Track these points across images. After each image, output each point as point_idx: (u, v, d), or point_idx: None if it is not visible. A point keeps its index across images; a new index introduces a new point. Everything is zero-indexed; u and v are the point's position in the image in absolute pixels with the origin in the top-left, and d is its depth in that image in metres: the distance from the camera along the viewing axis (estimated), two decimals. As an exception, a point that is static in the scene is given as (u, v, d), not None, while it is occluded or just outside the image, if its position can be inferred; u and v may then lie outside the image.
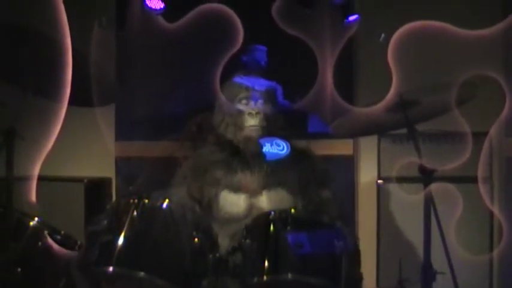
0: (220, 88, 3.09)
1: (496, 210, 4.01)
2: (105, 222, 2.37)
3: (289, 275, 2.32)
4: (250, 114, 2.97)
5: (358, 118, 3.34)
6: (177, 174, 3.04)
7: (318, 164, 3.06)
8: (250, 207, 2.88)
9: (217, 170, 2.96)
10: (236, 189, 2.92)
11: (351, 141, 4.41)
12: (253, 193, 2.92)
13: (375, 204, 4.23)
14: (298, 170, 2.97)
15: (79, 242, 2.69)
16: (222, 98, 3.05)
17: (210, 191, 2.94)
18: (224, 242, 2.67)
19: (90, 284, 2.46)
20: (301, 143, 3.08)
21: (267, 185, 2.93)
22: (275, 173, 2.94)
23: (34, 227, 2.71)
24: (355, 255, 2.49)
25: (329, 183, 3.03)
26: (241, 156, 2.96)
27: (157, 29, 4.08)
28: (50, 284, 2.66)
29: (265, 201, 2.90)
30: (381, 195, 4.20)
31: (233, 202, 2.90)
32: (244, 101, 3.00)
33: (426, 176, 3.01)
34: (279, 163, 2.93)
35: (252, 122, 2.97)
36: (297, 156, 2.98)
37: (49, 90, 2.92)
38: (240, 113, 2.99)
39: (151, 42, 4.37)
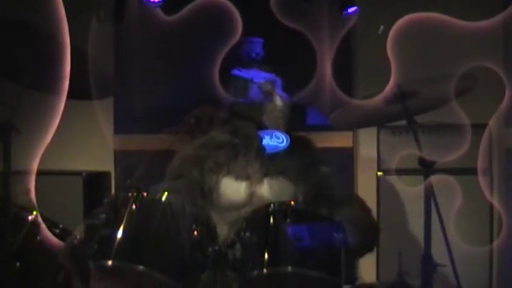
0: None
1: (495, 202, 4.01)
2: (104, 215, 2.36)
3: (289, 268, 2.31)
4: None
5: (357, 110, 3.33)
6: (175, 160, 3.03)
7: (314, 148, 3.07)
8: (251, 196, 2.88)
9: (220, 156, 2.96)
10: (237, 176, 2.92)
11: (350, 133, 4.40)
12: (254, 181, 2.92)
13: (374, 197, 4.22)
14: (298, 158, 2.97)
15: (77, 236, 2.68)
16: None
17: (211, 177, 2.94)
18: (223, 231, 2.66)
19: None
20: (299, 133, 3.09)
21: (268, 173, 2.93)
22: (276, 161, 2.94)
23: (32, 221, 2.70)
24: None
25: (325, 161, 3.04)
26: (245, 145, 2.96)
27: (156, 22, 4.07)
28: (48, 278, 2.66)
29: (266, 189, 2.90)
30: (381, 187, 4.19)
31: (234, 190, 2.90)
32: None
33: (426, 168, 3.00)
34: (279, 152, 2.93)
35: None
36: (296, 144, 2.99)
37: (47, 84, 2.92)
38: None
39: (149, 35, 4.36)
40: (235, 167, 2.93)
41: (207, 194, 2.91)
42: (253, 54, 4.03)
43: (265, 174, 2.92)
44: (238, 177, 2.90)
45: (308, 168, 2.98)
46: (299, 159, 2.97)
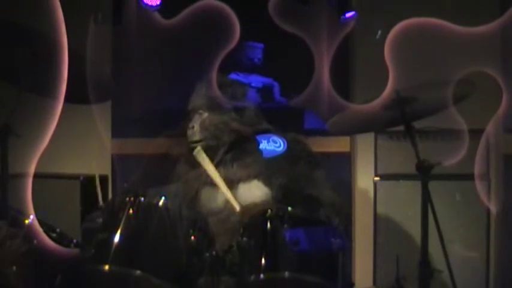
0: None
1: (492, 208, 4.00)
2: (101, 220, 2.36)
3: (286, 273, 2.31)
4: (189, 128, 3.03)
5: (354, 115, 3.33)
6: (175, 171, 3.06)
7: (306, 148, 3.06)
8: (226, 201, 2.90)
9: (199, 166, 3.00)
10: (213, 183, 2.94)
11: (347, 138, 4.40)
12: (229, 187, 2.93)
13: (371, 202, 4.22)
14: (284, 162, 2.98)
15: (75, 240, 2.68)
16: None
17: (193, 186, 2.97)
18: None
19: None
20: (291, 134, 3.10)
21: (242, 178, 2.94)
22: (251, 166, 2.95)
23: (29, 225, 2.69)
24: None
25: (319, 165, 3.03)
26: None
27: (154, 26, 4.07)
28: (45, 282, 2.65)
29: (241, 194, 2.91)
30: (378, 192, 4.19)
31: (210, 197, 2.93)
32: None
33: (423, 174, 3.00)
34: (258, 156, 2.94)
35: (191, 138, 3.02)
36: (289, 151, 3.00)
37: (45, 87, 2.91)
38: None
39: (147, 39, 4.36)
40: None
41: (189, 202, 2.94)
42: (253, 59, 4.03)
43: (240, 180, 2.93)
44: (213, 185, 2.93)
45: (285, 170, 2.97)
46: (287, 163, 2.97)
